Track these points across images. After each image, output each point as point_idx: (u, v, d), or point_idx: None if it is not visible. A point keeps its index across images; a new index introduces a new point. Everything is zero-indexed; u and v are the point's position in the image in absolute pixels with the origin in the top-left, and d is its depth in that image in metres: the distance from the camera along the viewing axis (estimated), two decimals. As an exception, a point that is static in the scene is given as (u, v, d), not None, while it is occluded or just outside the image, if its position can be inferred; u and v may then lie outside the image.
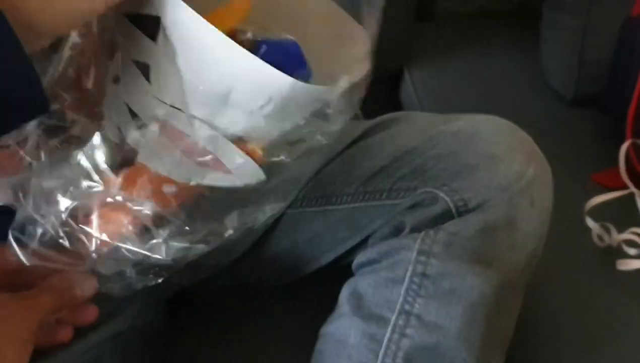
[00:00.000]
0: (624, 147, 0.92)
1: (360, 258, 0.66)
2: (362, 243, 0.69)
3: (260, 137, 0.48)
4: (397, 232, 0.66)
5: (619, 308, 0.80)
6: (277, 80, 0.43)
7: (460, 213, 0.64)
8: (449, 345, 0.60)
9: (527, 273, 0.67)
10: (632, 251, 0.85)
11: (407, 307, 0.61)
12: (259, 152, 0.49)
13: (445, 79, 1.16)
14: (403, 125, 0.74)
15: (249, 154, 0.48)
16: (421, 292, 0.61)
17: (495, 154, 0.65)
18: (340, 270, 0.69)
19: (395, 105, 1.19)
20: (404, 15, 1.16)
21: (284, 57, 0.47)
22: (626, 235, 0.86)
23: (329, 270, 0.73)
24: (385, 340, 0.61)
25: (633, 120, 0.94)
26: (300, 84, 0.44)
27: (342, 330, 0.64)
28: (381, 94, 1.19)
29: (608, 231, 0.87)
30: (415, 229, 0.64)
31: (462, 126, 0.69)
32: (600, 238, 0.87)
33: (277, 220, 0.73)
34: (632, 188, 0.91)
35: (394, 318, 0.61)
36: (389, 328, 0.61)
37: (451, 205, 0.63)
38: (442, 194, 0.64)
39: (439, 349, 0.60)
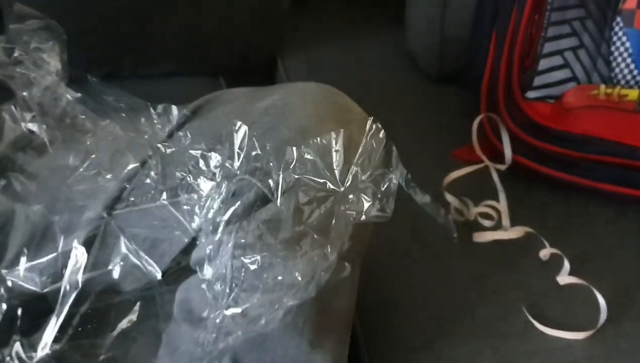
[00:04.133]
0: (476, 122, 0.96)
1: (192, 257, 0.63)
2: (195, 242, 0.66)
3: None
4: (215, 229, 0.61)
5: (475, 279, 0.84)
6: None
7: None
8: (277, 336, 0.60)
9: (358, 245, 0.64)
10: (487, 223, 0.89)
11: (231, 303, 0.59)
12: None
13: (317, 66, 1.18)
14: (221, 108, 0.70)
15: None
16: (244, 286, 0.58)
17: (305, 126, 0.61)
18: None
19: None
20: (277, 2, 1.17)
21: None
22: (481, 208, 0.90)
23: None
24: (211, 344, 0.60)
25: (486, 94, 0.98)
26: None
27: (173, 337, 0.63)
28: (259, 84, 1.19)
29: (466, 205, 0.90)
30: (230, 222, 0.60)
31: (276, 101, 0.64)
32: (460, 212, 0.90)
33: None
34: (486, 162, 0.94)
35: (219, 319, 0.59)
36: (214, 330, 0.60)
37: (265, 189, 0.59)
38: (254, 180, 0.60)
39: (267, 342, 0.60)
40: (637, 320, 0.79)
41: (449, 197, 0.92)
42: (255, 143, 0.61)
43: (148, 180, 0.65)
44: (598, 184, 0.91)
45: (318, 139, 0.59)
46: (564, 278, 0.83)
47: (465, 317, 0.80)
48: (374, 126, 0.63)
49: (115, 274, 0.63)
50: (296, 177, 0.58)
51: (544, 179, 0.94)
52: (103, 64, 1.03)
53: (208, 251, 0.60)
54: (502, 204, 0.90)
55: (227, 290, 0.59)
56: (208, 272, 0.60)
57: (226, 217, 0.60)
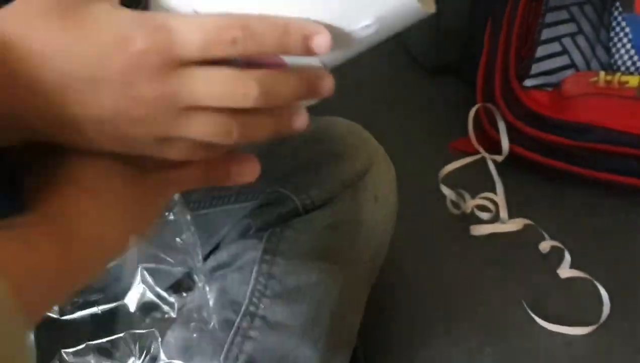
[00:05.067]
0: (472, 112, 0.93)
1: (211, 262, 0.65)
2: (215, 251, 0.68)
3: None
4: (245, 233, 0.65)
5: (473, 272, 0.82)
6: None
7: (307, 211, 0.64)
8: (293, 343, 0.60)
9: (373, 267, 0.68)
10: (484, 216, 0.86)
11: (252, 308, 0.61)
12: None
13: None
14: None
15: None
16: (267, 292, 0.61)
17: (339, 152, 0.66)
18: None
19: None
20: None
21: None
22: (478, 201, 0.88)
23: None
24: (227, 344, 0.60)
25: (482, 84, 0.95)
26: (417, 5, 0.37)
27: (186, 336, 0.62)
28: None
29: (463, 198, 0.88)
30: (262, 229, 0.63)
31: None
32: (456, 205, 0.88)
33: None
34: (483, 153, 0.92)
35: (237, 320, 0.60)
36: (232, 332, 0.60)
37: (298, 203, 0.64)
38: (288, 192, 0.64)
39: (283, 348, 0.60)
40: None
41: (445, 190, 0.89)
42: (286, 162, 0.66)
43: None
44: (599, 174, 0.88)
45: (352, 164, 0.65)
46: (565, 271, 0.80)
47: (464, 313, 0.78)
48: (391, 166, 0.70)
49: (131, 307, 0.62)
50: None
51: (543, 170, 0.91)
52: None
53: (231, 254, 0.62)
54: (500, 196, 0.87)
55: (248, 294, 0.60)
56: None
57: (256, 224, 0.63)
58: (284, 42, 0.37)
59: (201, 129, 0.38)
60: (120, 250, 0.41)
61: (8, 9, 0.37)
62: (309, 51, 0.38)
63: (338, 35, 0.38)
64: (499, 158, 0.92)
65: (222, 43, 0.36)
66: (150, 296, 0.65)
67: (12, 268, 0.33)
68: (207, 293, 0.64)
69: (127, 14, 0.37)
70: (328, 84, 0.40)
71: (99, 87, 0.37)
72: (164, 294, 0.63)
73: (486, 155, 0.92)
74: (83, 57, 0.36)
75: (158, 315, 0.65)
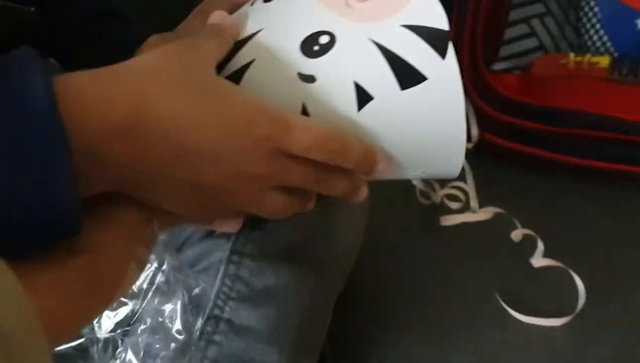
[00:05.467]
0: None
1: (174, 263, 0.62)
2: (179, 252, 0.65)
3: None
4: (210, 233, 0.62)
5: (444, 265, 0.79)
6: None
7: None
8: (259, 348, 0.58)
9: (344, 271, 0.67)
10: (454, 205, 0.84)
11: (216, 311, 0.58)
12: None
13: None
14: None
15: None
16: (233, 295, 0.58)
17: None
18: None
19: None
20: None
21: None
22: (448, 190, 0.85)
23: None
24: (190, 349, 0.58)
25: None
26: None
27: (149, 341, 0.60)
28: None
29: (432, 188, 0.86)
30: None
31: None
32: (426, 195, 0.86)
33: None
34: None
35: (201, 324, 0.58)
36: (195, 336, 0.58)
37: None
38: None
39: (248, 353, 0.58)
40: (618, 302, 0.75)
41: (414, 180, 0.87)
42: None
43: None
44: (570, 159, 0.87)
45: None
46: (539, 260, 0.78)
47: (436, 308, 0.75)
48: None
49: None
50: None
51: (513, 156, 0.89)
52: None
53: (197, 253, 0.60)
54: (470, 185, 0.85)
55: (213, 296, 0.58)
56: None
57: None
58: (360, 164, 0.46)
59: (271, 206, 0.46)
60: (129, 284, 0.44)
61: (138, 70, 0.40)
62: (369, 174, 0.48)
63: (395, 169, 0.49)
64: (469, 145, 0.89)
65: (323, 151, 0.44)
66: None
67: (46, 296, 0.36)
68: (172, 295, 0.61)
69: (251, 98, 0.42)
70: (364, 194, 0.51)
71: (214, 161, 0.41)
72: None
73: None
74: (211, 131, 0.40)
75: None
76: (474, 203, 0.84)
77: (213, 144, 0.40)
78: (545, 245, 0.78)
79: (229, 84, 0.43)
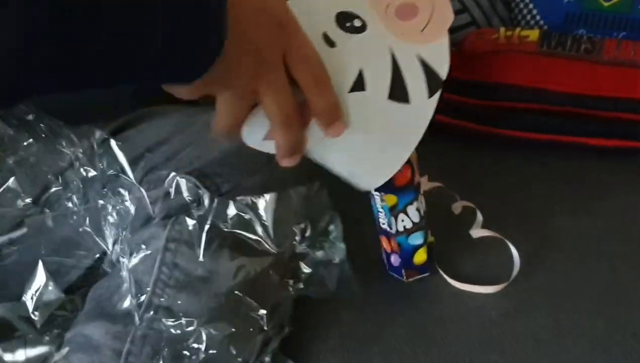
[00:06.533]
0: None
1: (113, 253, 0.64)
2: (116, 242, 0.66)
3: None
4: (147, 222, 0.64)
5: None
6: None
7: (212, 199, 0.63)
8: (198, 333, 0.59)
9: (283, 256, 0.67)
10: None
11: (155, 299, 0.59)
12: None
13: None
14: (157, 119, 0.74)
15: None
16: (170, 282, 0.60)
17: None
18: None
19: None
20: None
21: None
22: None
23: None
24: (130, 337, 0.59)
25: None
26: None
27: (86, 331, 0.61)
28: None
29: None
30: (167, 217, 0.62)
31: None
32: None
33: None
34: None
35: (141, 312, 0.59)
36: (134, 325, 0.59)
37: (203, 190, 0.63)
38: (193, 180, 0.63)
39: (189, 340, 0.59)
40: (550, 271, 0.77)
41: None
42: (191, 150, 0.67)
43: (70, 204, 0.67)
44: (506, 131, 0.88)
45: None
46: (477, 231, 0.80)
47: (375, 282, 0.75)
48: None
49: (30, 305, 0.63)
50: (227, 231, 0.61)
51: (451, 130, 0.91)
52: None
53: (133, 244, 0.61)
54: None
55: (152, 284, 0.59)
56: (131, 263, 0.60)
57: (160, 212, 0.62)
58: (329, 108, 0.57)
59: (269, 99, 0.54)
60: None
61: None
62: (328, 124, 0.57)
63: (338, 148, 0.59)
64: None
65: (314, 69, 0.54)
66: (50, 295, 0.63)
67: None
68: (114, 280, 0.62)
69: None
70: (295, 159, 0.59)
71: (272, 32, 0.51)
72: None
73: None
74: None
75: (60, 313, 0.63)
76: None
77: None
78: (484, 216, 0.80)
79: None
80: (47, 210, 0.67)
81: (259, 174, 0.66)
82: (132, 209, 0.64)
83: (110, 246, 0.65)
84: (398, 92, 0.58)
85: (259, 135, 0.57)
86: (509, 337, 0.70)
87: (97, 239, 0.66)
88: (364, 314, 0.73)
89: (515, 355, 0.69)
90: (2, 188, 0.66)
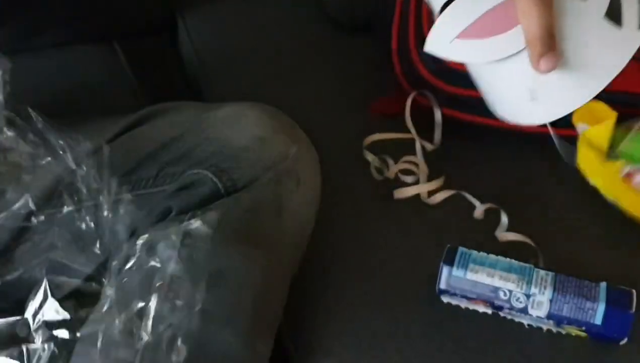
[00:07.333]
0: (409, 101, 0.91)
1: (128, 249, 0.62)
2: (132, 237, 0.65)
3: None
4: (164, 217, 0.64)
5: (395, 237, 0.80)
6: None
7: (229, 194, 0.64)
8: (214, 329, 0.59)
9: (296, 253, 0.68)
10: (408, 179, 0.85)
11: (171, 294, 0.58)
12: None
13: (222, 23, 1.12)
14: (170, 115, 0.74)
15: None
16: (187, 276, 0.59)
17: (261, 135, 0.67)
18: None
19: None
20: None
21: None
22: (401, 165, 0.87)
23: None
24: (150, 333, 0.58)
25: (397, 41, 0.93)
26: None
27: (103, 328, 0.60)
28: (159, 48, 1.13)
29: (386, 163, 0.87)
30: (183, 212, 0.63)
31: (229, 111, 0.70)
32: (379, 171, 0.87)
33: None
34: (414, 136, 0.90)
35: (156, 307, 0.58)
36: (151, 319, 0.58)
37: (220, 185, 0.64)
38: (210, 175, 0.64)
39: (204, 335, 0.59)
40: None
41: (369, 156, 0.88)
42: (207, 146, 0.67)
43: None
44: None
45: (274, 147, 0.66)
46: (504, 234, 0.79)
47: (391, 284, 0.76)
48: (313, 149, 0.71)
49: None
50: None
51: (466, 127, 0.90)
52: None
53: (149, 238, 0.60)
54: (419, 158, 0.86)
55: (168, 279, 0.58)
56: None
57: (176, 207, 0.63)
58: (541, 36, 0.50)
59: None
60: None
61: None
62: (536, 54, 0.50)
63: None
64: (430, 146, 0.89)
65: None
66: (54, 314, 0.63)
67: None
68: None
69: None
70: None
71: None
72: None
73: (417, 138, 0.89)
74: None
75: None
76: (423, 177, 0.85)
77: None
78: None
79: None
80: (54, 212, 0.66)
81: (273, 169, 0.66)
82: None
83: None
84: (614, 11, 0.52)
85: (447, 38, 0.53)
86: (524, 332, 0.70)
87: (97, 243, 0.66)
88: (379, 310, 0.73)
89: (531, 350, 0.69)
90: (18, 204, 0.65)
